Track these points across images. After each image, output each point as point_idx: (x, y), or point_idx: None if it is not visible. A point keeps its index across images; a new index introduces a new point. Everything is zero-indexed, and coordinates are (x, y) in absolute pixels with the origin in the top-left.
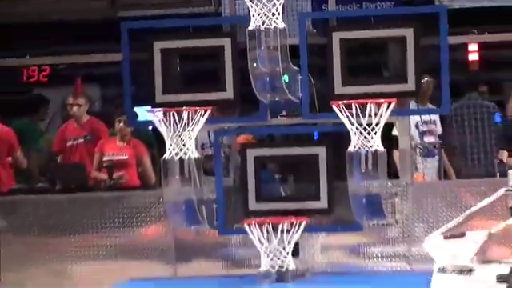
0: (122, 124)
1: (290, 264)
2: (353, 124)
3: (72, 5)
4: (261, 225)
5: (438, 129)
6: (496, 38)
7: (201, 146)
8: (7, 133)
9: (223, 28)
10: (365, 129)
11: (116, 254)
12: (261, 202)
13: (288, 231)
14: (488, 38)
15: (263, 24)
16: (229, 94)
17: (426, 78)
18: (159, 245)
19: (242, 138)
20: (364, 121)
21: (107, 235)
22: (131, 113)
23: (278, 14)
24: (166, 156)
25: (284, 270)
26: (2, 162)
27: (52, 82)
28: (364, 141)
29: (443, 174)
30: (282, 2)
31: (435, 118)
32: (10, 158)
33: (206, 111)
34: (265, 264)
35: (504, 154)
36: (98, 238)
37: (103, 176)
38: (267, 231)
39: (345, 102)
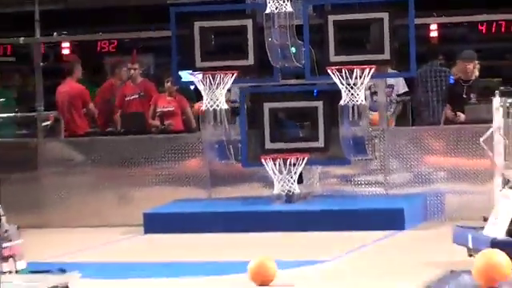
0: (169, 83)
1: (296, 189)
2: (343, 84)
3: None
4: (274, 159)
5: (396, 90)
6: (450, 20)
7: None
8: (82, 90)
9: (246, 11)
10: (352, 87)
11: (165, 181)
12: (274, 142)
13: (294, 164)
14: (444, 19)
15: (276, 9)
16: (250, 61)
17: None
18: (198, 174)
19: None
20: (351, 81)
21: (159, 167)
22: (177, 75)
23: (288, 1)
24: (203, 107)
25: (291, 193)
26: (78, 113)
27: (118, 52)
28: (351, 97)
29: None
30: None
31: (393, 82)
32: (84, 109)
33: (233, 74)
34: (277, 189)
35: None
36: (152, 169)
37: (156, 123)
38: (279, 164)
39: (337, 67)
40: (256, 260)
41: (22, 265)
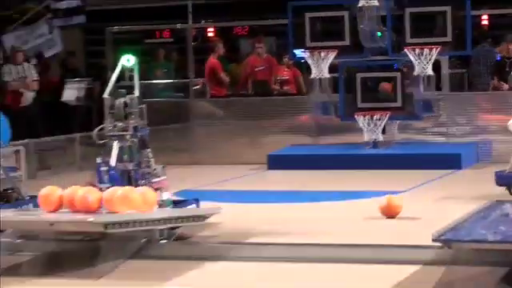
0: (286, 59)
1: (380, 137)
2: (416, 60)
3: None
4: (364, 115)
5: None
6: (497, 12)
7: None
8: (213, 63)
9: (344, 5)
10: (423, 62)
11: (283, 131)
12: (364, 102)
13: (379, 119)
14: (492, 11)
15: (366, 3)
16: (347, 42)
17: None
18: (307, 126)
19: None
20: (422, 58)
21: (278, 120)
22: (292, 52)
23: None
24: (312, 76)
25: (377, 141)
26: (212, 80)
27: (249, 35)
28: (422, 69)
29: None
30: None
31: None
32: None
33: (334, 52)
34: (366, 137)
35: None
36: (273, 122)
37: (277, 87)
38: (368, 119)
39: (411, 47)
40: (386, 197)
41: (166, 195)
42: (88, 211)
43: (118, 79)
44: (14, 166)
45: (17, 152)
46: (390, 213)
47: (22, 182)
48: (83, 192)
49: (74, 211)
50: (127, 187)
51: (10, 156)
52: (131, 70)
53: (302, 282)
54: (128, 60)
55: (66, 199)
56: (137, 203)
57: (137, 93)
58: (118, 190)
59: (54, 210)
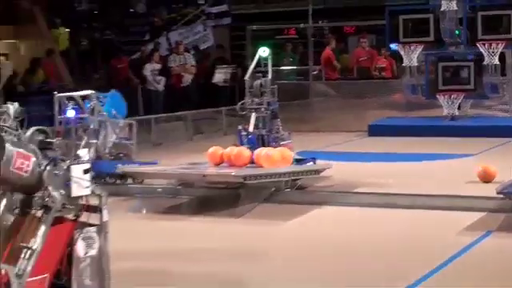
0: (384, 51)
1: (456, 112)
2: (485, 52)
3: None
4: (444, 95)
5: None
6: None
7: None
8: (327, 53)
9: (429, 9)
10: (491, 54)
11: (380, 107)
12: (444, 85)
13: (456, 98)
14: None
15: (447, 7)
16: (431, 38)
17: None
18: (399, 103)
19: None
20: (490, 50)
21: (376, 98)
22: (389, 45)
23: (454, 3)
24: (403, 64)
25: (454, 115)
26: (327, 67)
27: (356, 32)
28: (491, 59)
29: None
30: None
31: None
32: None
33: (421, 46)
34: (445, 112)
35: None
36: (373, 100)
37: (376, 73)
38: (447, 98)
39: (482, 42)
40: (482, 164)
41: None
42: (241, 165)
43: (256, 66)
44: (127, 136)
45: (130, 125)
46: (487, 178)
47: (133, 149)
48: (238, 151)
49: (230, 165)
50: (270, 148)
51: (124, 128)
52: (266, 59)
53: (392, 224)
54: (264, 51)
55: (226, 156)
56: (277, 160)
57: (270, 76)
58: (264, 150)
59: (218, 164)
